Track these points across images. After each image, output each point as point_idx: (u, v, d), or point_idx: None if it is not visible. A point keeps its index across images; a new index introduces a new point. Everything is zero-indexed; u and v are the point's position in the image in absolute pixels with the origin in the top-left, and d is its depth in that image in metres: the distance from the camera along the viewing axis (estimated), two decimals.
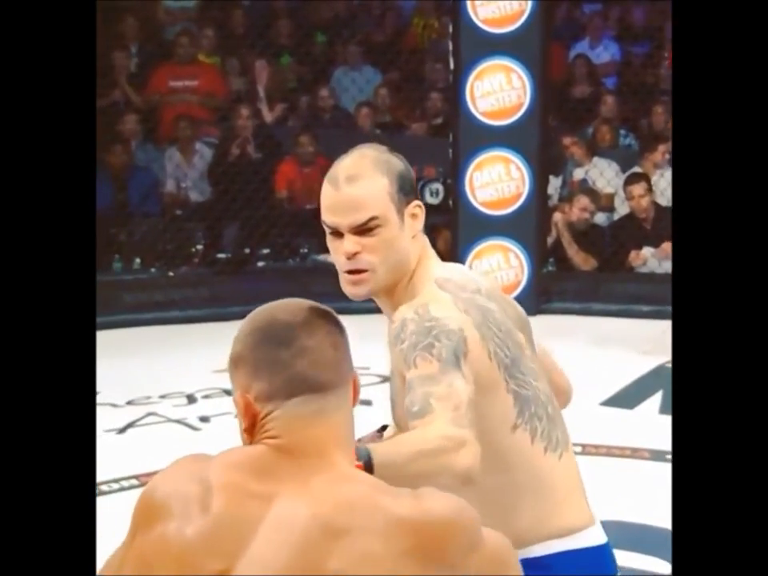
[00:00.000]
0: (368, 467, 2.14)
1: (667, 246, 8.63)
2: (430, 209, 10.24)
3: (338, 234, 2.47)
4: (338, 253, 2.47)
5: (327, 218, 2.47)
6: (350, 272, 2.48)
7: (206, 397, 6.93)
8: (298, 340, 1.89)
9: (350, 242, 2.45)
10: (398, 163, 2.51)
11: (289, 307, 1.94)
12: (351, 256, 2.45)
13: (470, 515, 1.86)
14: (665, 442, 4.35)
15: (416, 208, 2.51)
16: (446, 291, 2.46)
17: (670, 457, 4.40)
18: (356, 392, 1.97)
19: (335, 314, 1.95)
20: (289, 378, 1.88)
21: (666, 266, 8.57)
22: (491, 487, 2.44)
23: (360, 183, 2.45)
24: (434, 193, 9.11)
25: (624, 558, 3.21)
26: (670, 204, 8.51)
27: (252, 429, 1.91)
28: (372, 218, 2.44)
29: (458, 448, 2.19)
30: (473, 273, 2.69)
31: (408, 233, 2.49)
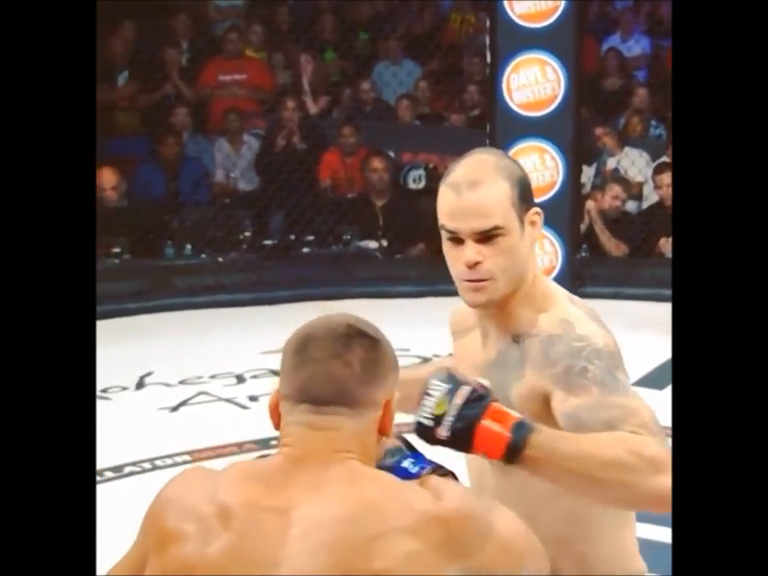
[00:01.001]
0: (517, 445, 2.00)
1: None
2: None
3: (457, 240, 2.27)
4: (458, 261, 2.27)
5: (448, 223, 2.27)
6: (470, 280, 2.27)
7: (254, 377, 6.95)
8: (307, 351, 1.87)
9: (472, 251, 2.24)
10: (516, 168, 2.32)
11: (330, 321, 1.91)
12: (473, 265, 2.25)
13: (478, 502, 1.84)
14: None
15: (535, 215, 2.31)
16: (578, 308, 2.29)
17: None
18: (386, 418, 1.90)
19: (378, 338, 1.91)
20: (295, 385, 1.88)
21: None
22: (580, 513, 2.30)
23: (483, 188, 2.25)
24: None
25: (657, 533, 3.21)
26: None
27: (278, 428, 1.90)
28: (495, 226, 2.24)
29: (661, 469, 1.98)
30: None
31: (528, 241, 2.30)
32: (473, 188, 2.25)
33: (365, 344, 1.88)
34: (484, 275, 2.25)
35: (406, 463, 2.09)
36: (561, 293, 2.33)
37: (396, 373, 1.93)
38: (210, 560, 1.77)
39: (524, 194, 2.29)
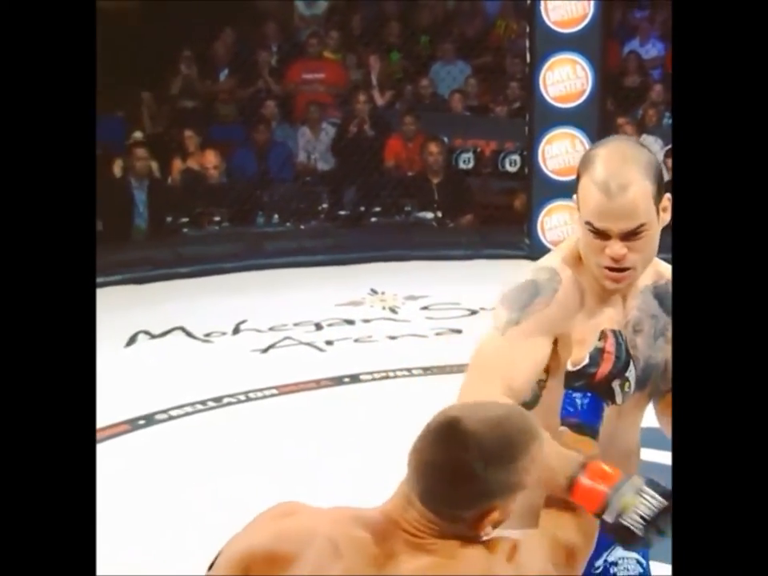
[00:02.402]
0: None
1: None
2: (509, 176, 10.04)
3: (604, 236, 2.12)
4: (601, 253, 2.13)
5: (597, 222, 2.11)
6: (613, 270, 2.14)
7: (330, 325, 6.98)
8: (429, 434, 1.74)
9: (620, 246, 2.11)
10: (652, 158, 2.14)
11: (475, 413, 1.75)
12: (620, 258, 2.12)
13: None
14: None
15: (666, 201, 2.15)
16: None
17: None
18: (482, 520, 1.70)
19: (510, 430, 1.73)
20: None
21: None
22: None
23: (631, 191, 2.08)
24: (513, 163, 9.06)
25: (658, 456, 3.18)
26: None
27: None
28: (641, 224, 2.11)
29: None
30: None
31: (660, 226, 2.16)
32: (623, 192, 2.08)
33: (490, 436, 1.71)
34: (627, 264, 2.13)
35: (578, 396, 2.03)
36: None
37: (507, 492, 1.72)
38: None
39: (660, 185, 2.14)
